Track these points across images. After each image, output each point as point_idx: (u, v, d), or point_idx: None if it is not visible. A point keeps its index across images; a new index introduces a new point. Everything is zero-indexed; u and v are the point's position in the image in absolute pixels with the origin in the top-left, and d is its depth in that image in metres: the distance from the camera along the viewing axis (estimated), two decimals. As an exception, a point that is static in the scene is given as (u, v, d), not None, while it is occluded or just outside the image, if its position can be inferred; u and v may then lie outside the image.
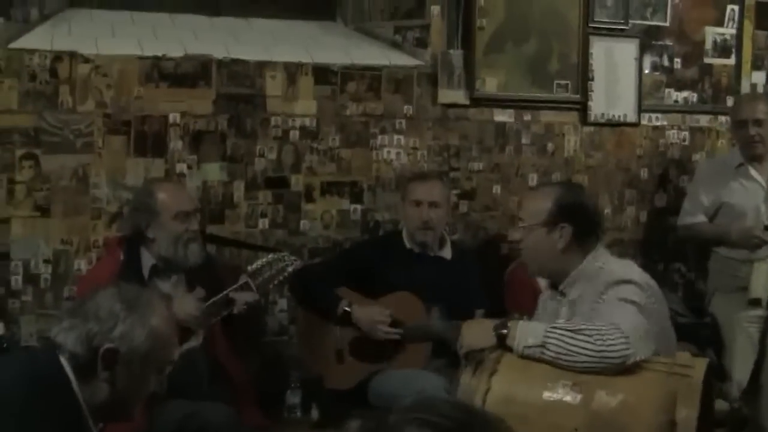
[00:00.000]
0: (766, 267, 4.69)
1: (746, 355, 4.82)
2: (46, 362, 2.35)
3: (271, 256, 4.00)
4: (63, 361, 2.33)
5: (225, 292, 3.84)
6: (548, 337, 2.82)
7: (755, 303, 4.70)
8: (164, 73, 4.43)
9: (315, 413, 4.23)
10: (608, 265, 3.14)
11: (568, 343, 2.79)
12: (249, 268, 3.98)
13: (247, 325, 4.01)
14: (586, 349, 2.76)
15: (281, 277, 4.01)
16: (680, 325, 3.38)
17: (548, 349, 2.81)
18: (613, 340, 2.76)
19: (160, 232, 3.86)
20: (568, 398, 2.71)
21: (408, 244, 4.47)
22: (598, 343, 2.75)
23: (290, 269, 3.97)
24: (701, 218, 4.99)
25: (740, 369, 4.79)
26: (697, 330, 4.82)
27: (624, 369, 2.75)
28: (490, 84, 5.02)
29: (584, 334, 2.79)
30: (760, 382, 4.91)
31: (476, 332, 3.01)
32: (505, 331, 2.92)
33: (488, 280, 4.63)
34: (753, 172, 4.87)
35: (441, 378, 4.06)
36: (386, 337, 4.21)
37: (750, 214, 4.84)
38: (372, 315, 4.22)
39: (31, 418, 2.24)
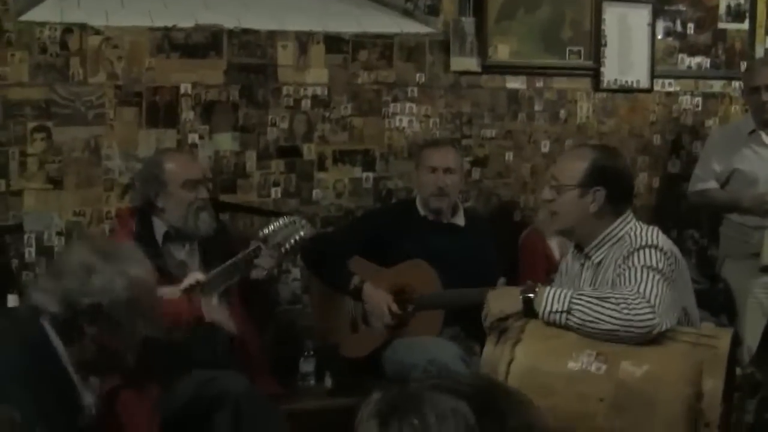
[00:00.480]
0: None
1: (757, 321, 4.82)
2: (28, 330, 2.29)
3: (282, 220, 3.99)
4: (45, 325, 2.28)
5: (236, 258, 3.84)
6: (574, 303, 2.82)
7: (767, 270, 4.69)
8: (175, 43, 4.41)
9: (329, 381, 4.25)
10: (634, 230, 3.11)
11: (594, 310, 2.78)
12: (260, 233, 3.97)
13: (263, 294, 4.01)
14: (612, 317, 2.75)
15: (293, 241, 4.00)
16: (694, 292, 3.37)
17: (574, 316, 2.80)
18: (639, 309, 2.75)
19: (169, 202, 3.87)
20: (592, 368, 2.70)
21: (422, 212, 4.47)
22: (624, 312, 2.74)
23: (302, 233, 3.96)
24: (713, 184, 4.96)
25: (751, 334, 4.79)
26: (711, 296, 4.81)
27: (649, 339, 2.75)
28: (502, 51, 4.99)
29: (610, 302, 2.78)
30: (773, 347, 4.92)
31: (503, 299, 3.00)
32: (532, 295, 2.92)
33: (501, 246, 4.63)
34: (766, 138, 4.84)
35: (455, 346, 4.07)
36: (388, 323, 4.21)
37: (762, 181, 4.81)
38: (380, 302, 4.22)
39: (20, 390, 2.20)
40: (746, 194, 4.81)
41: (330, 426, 3.83)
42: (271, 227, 3.95)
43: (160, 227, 3.90)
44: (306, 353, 4.32)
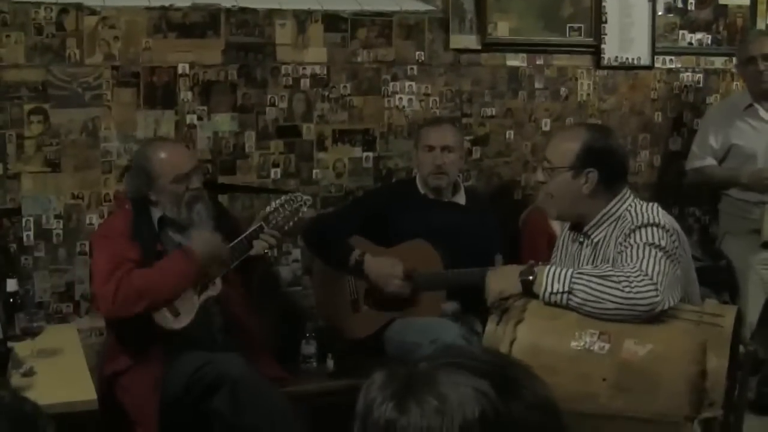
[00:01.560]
0: None
1: (757, 297, 4.82)
2: None
3: (283, 197, 3.98)
4: None
5: (240, 238, 3.83)
6: (575, 282, 2.80)
7: None
8: (172, 23, 4.37)
9: (330, 363, 4.23)
10: (634, 208, 3.10)
11: (595, 289, 2.77)
12: (262, 212, 3.96)
13: (263, 276, 4.00)
14: (614, 296, 2.74)
15: (296, 218, 3.99)
16: (696, 269, 3.36)
17: (575, 295, 2.79)
18: (641, 287, 2.73)
19: (161, 195, 3.84)
20: (595, 348, 2.69)
21: (422, 190, 4.45)
22: (626, 290, 2.73)
23: (304, 209, 3.96)
24: (710, 161, 4.96)
25: (752, 310, 4.79)
26: (713, 273, 4.81)
27: (652, 318, 2.73)
28: (502, 28, 4.96)
29: (612, 281, 2.76)
30: (771, 324, 4.91)
31: (502, 279, 2.99)
32: (531, 277, 2.91)
33: (502, 225, 4.61)
34: (762, 112, 4.84)
35: (457, 325, 4.06)
36: (398, 291, 4.19)
37: (760, 156, 4.82)
38: (384, 267, 4.20)
39: None
40: (745, 170, 4.81)
41: (332, 407, 3.83)
42: (273, 205, 3.94)
43: (155, 212, 3.88)
44: (307, 335, 4.31)
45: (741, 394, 3.05)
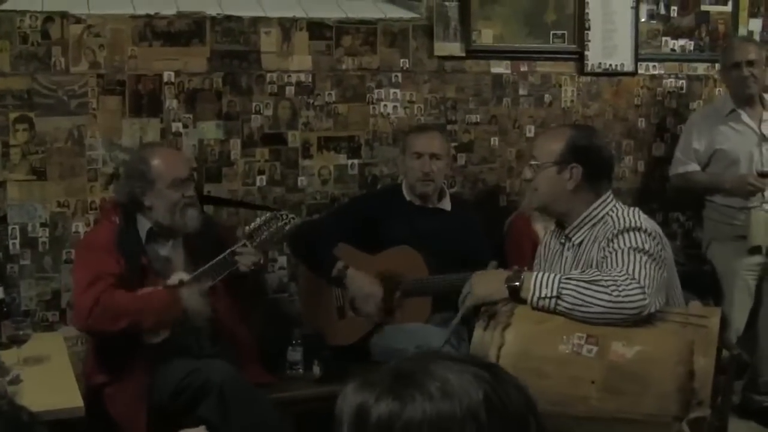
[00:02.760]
0: (764, 214, 4.69)
1: (743, 303, 4.85)
2: None
3: (268, 214, 3.96)
4: None
5: (223, 255, 3.82)
6: (564, 287, 2.82)
7: (756, 251, 4.71)
8: (157, 31, 4.38)
9: (317, 370, 4.23)
10: (616, 212, 3.12)
11: (583, 294, 2.78)
12: (246, 228, 3.96)
13: (250, 285, 4.00)
14: (602, 299, 2.75)
15: (280, 236, 3.99)
16: (680, 274, 3.38)
17: (564, 300, 2.80)
18: (629, 290, 2.75)
19: (157, 200, 3.81)
20: (583, 351, 2.70)
21: (408, 197, 4.46)
22: (614, 294, 2.74)
23: (288, 227, 3.95)
24: (694, 167, 4.99)
25: (738, 316, 4.81)
26: (697, 278, 4.82)
27: (639, 320, 2.75)
28: (486, 35, 4.98)
29: (600, 285, 2.78)
30: (756, 329, 4.94)
31: (487, 284, 3.01)
32: (517, 283, 2.92)
33: (487, 231, 4.63)
34: (745, 117, 4.87)
35: (444, 331, 4.06)
36: (371, 313, 4.20)
37: (743, 160, 4.85)
38: (364, 287, 4.22)
39: None
40: (728, 176, 4.84)
41: (319, 414, 3.83)
42: (258, 222, 3.92)
43: (144, 224, 3.85)
44: (294, 342, 4.31)
45: (726, 398, 3.07)
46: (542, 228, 4.53)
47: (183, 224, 3.83)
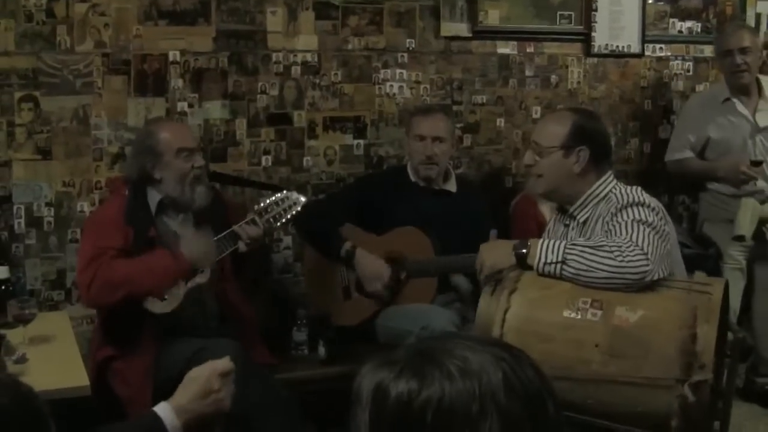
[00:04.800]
0: (752, 203, 4.68)
1: (736, 282, 4.84)
2: None
3: (279, 194, 3.97)
4: None
5: (231, 228, 3.83)
6: (569, 253, 2.86)
7: (740, 239, 4.70)
8: (163, 10, 4.36)
9: (322, 350, 4.23)
10: (618, 189, 3.16)
11: (588, 259, 2.82)
12: (256, 206, 3.96)
13: (255, 264, 4.00)
14: (607, 264, 2.79)
15: (288, 216, 3.99)
16: (685, 256, 3.39)
17: (568, 266, 2.84)
18: (632, 256, 2.79)
19: (166, 172, 3.82)
20: (588, 315, 2.74)
21: (413, 178, 4.45)
22: (618, 259, 2.78)
23: (298, 208, 3.95)
24: (688, 154, 4.99)
25: (732, 296, 4.81)
26: (702, 261, 4.82)
27: (643, 287, 2.78)
28: (492, 16, 4.96)
29: (604, 251, 2.82)
30: (753, 310, 4.94)
31: (496, 252, 3.05)
32: (524, 250, 2.96)
33: (493, 212, 4.62)
34: (739, 106, 4.85)
35: (448, 312, 4.07)
36: (378, 293, 4.20)
37: (736, 149, 4.84)
38: (372, 267, 4.21)
39: None
40: (721, 164, 4.83)
41: (324, 394, 3.85)
42: (267, 201, 3.93)
43: (154, 197, 3.85)
44: (299, 322, 4.31)
45: (730, 380, 3.08)
46: (548, 210, 4.52)
47: (191, 199, 3.83)
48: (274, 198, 3.94)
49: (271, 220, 3.92)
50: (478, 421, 1.29)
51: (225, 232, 3.82)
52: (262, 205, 3.92)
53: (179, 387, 2.34)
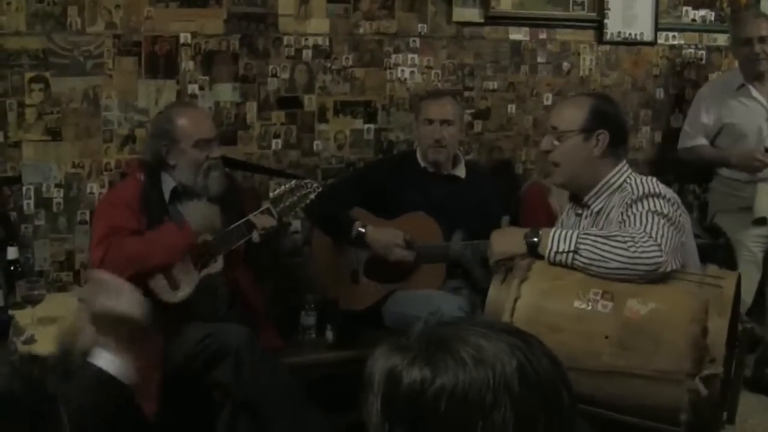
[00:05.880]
0: None
1: (751, 275, 4.83)
2: None
3: (293, 182, 3.95)
4: None
5: (246, 218, 3.81)
6: (581, 242, 2.84)
7: (761, 222, 4.70)
8: (174, -8, 4.36)
9: (330, 335, 4.23)
10: (633, 180, 3.14)
11: (600, 248, 2.80)
12: (271, 194, 3.95)
13: (268, 253, 3.99)
14: (619, 255, 2.77)
15: (303, 204, 3.98)
16: (696, 246, 3.38)
17: (580, 255, 2.82)
18: (646, 247, 2.77)
19: (180, 159, 3.82)
20: (598, 307, 2.72)
21: (422, 163, 4.44)
22: (632, 250, 2.76)
23: (312, 196, 3.93)
24: (702, 141, 4.99)
25: (746, 289, 4.80)
26: (712, 251, 4.80)
27: (655, 279, 2.76)
28: (505, 2, 4.95)
29: (617, 241, 2.80)
30: (766, 302, 4.93)
31: (506, 240, 3.04)
32: (536, 239, 2.94)
33: (503, 199, 4.62)
34: (755, 92, 4.87)
35: (457, 298, 4.07)
36: (401, 258, 4.19)
37: (751, 135, 4.85)
38: (386, 237, 4.20)
39: None
40: (735, 151, 4.83)
41: (332, 379, 3.86)
42: (282, 189, 3.92)
43: (168, 183, 3.86)
44: (307, 306, 4.31)
45: (738, 371, 3.07)
46: (556, 198, 4.52)
47: (205, 186, 3.83)
48: (288, 186, 3.92)
49: (287, 208, 3.90)
50: (492, 410, 1.29)
51: (239, 222, 3.80)
52: (277, 192, 3.91)
53: (95, 326, 2.14)
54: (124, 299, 2.15)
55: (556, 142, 3.22)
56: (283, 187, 3.93)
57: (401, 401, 1.33)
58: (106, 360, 2.09)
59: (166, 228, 3.71)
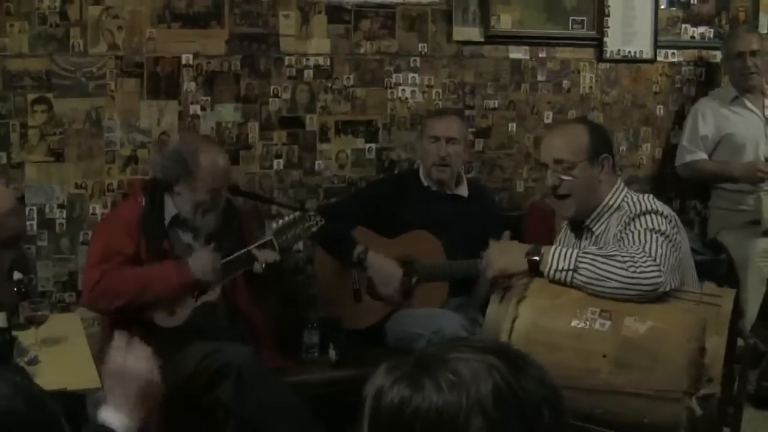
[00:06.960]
0: None
1: (757, 291, 4.83)
2: None
3: (297, 214, 3.94)
4: None
5: (247, 249, 3.81)
6: (581, 261, 2.84)
7: None
8: (176, 13, 4.37)
9: (332, 353, 4.24)
10: (630, 198, 3.16)
11: (600, 268, 2.81)
12: (273, 225, 3.94)
13: (268, 280, 3.98)
14: (618, 275, 2.78)
15: (305, 237, 3.98)
16: (697, 263, 3.37)
17: (580, 274, 2.83)
18: (645, 267, 2.77)
19: (187, 192, 3.79)
20: (596, 325, 2.73)
21: (425, 182, 4.45)
22: (631, 270, 2.77)
23: (314, 229, 3.92)
24: (701, 155, 5.01)
25: (751, 305, 4.80)
26: (714, 267, 4.80)
27: (653, 298, 2.77)
28: (505, 21, 4.96)
29: (617, 260, 2.80)
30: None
31: (507, 257, 3.03)
32: (537, 258, 2.94)
33: (504, 217, 4.63)
34: (749, 104, 4.94)
35: (459, 316, 4.07)
36: (391, 294, 4.20)
37: (749, 145, 4.90)
38: (385, 268, 4.21)
39: None
40: (737, 163, 4.84)
41: (335, 397, 3.85)
42: (285, 220, 3.91)
43: (170, 208, 3.85)
44: (309, 325, 4.31)
45: (741, 386, 3.07)
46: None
47: (200, 224, 3.83)
48: (291, 218, 3.91)
49: (289, 241, 3.90)
50: (465, 430, 1.32)
51: (241, 252, 3.80)
52: (279, 224, 3.90)
53: (109, 386, 2.16)
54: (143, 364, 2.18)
55: (562, 177, 3.20)
56: (285, 218, 3.92)
57: (383, 419, 1.38)
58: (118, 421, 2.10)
59: (165, 266, 3.71)
